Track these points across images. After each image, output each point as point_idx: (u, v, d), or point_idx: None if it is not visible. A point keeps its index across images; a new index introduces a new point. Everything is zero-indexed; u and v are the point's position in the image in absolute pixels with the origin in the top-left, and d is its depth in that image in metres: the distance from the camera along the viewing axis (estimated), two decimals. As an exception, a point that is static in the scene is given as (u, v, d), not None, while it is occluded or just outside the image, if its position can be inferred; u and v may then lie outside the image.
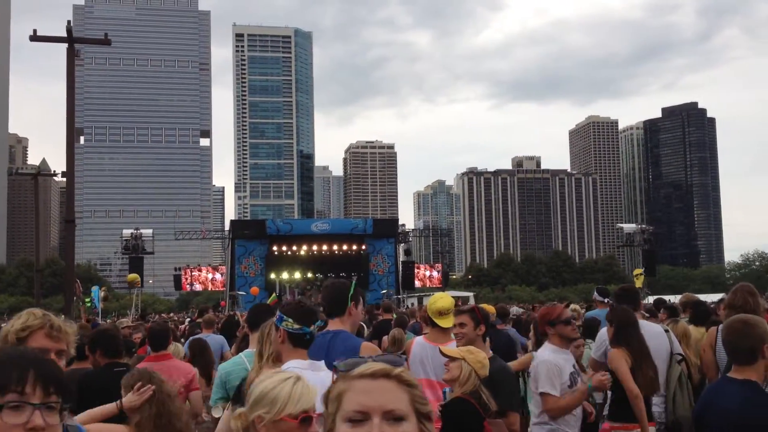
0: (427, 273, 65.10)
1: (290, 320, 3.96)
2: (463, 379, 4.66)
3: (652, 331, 6.53)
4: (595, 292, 10.04)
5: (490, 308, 9.27)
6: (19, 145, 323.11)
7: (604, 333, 6.55)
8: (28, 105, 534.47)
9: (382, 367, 1.70)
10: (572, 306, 11.09)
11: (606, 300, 9.57)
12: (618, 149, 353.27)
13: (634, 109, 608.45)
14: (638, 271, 43.83)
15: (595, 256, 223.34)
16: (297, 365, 3.82)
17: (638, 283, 41.04)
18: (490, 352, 5.27)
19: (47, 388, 1.71)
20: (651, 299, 21.22)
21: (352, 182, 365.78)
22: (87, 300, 29.12)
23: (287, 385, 2.56)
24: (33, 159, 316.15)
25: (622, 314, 6.12)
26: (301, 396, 2.52)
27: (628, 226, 65.09)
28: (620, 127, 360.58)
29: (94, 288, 30.69)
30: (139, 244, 49.44)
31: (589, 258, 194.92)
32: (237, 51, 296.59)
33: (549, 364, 5.29)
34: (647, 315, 8.99)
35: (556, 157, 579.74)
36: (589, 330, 8.52)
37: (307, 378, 3.37)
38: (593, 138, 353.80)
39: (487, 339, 5.56)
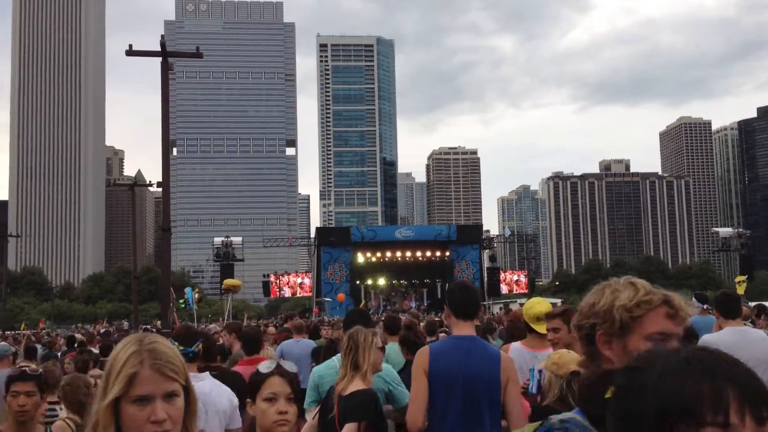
0: (514, 277, 64.34)
1: (176, 343, 4.74)
2: (545, 387, 4.52)
3: (754, 337, 6.30)
4: (693, 299, 9.73)
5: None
6: (116, 157, 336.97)
7: (706, 339, 6.36)
8: (120, 117, 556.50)
9: None
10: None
11: (705, 306, 9.26)
12: (711, 151, 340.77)
13: (727, 110, 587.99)
14: (740, 278, 42.12)
15: (689, 261, 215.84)
16: None
17: (740, 290, 39.33)
18: None
19: (760, 415, 1.11)
20: (751, 305, 20.32)
21: (435, 189, 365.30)
22: (181, 301, 29.82)
23: None
24: (128, 170, 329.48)
25: None
26: None
27: (724, 230, 62.68)
28: (713, 128, 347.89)
29: (188, 289, 31.28)
30: (230, 252, 50.69)
31: (683, 263, 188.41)
32: (321, 61, 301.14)
33: None
34: (745, 322, 8.63)
35: (646, 160, 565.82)
36: (688, 338, 8.23)
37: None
38: (685, 140, 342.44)
39: None
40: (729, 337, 6.20)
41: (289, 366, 3.32)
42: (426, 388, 4.29)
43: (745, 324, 7.47)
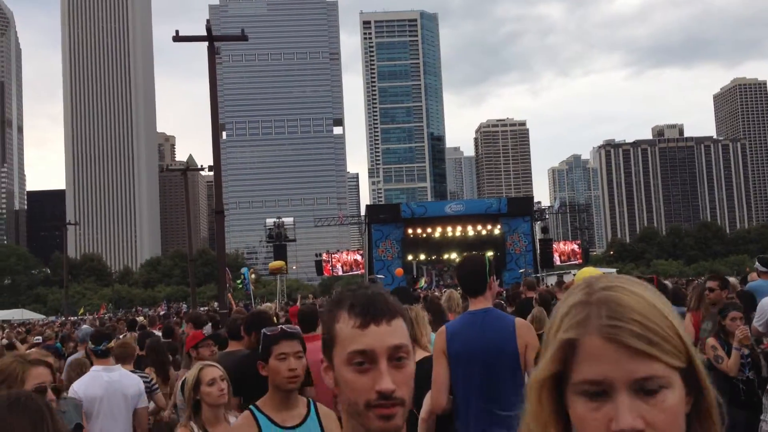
0: (568, 248, 63.67)
1: (90, 342, 6.41)
2: None
3: None
4: (758, 263, 9.50)
5: None
6: (167, 143, 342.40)
7: (766, 302, 6.20)
8: (170, 103, 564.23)
9: None
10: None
11: (768, 270, 9.02)
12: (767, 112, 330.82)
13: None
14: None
15: (747, 225, 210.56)
16: (96, 368, 6.06)
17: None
18: None
19: None
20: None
21: (484, 162, 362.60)
22: (238, 282, 30.25)
23: None
24: (180, 155, 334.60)
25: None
26: None
27: (785, 193, 60.73)
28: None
29: (244, 269, 31.63)
30: (282, 232, 51.15)
31: (741, 228, 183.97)
32: (365, 38, 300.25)
33: None
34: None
35: (700, 123, 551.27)
36: (747, 302, 8.07)
37: (101, 377, 5.89)
38: (740, 101, 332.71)
39: None
40: None
41: None
42: (446, 369, 4.31)
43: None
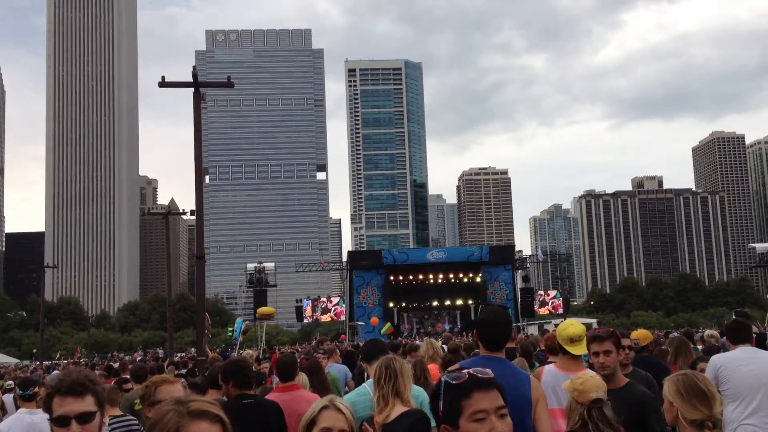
0: (548, 298, 63.73)
1: (18, 388, 7.22)
2: (566, 411, 4.46)
3: (764, 356, 6.19)
4: (734, 317, 9.62)
5: (644, 333, 8.66)
6: (149, 186, 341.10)
7: (716, 358, 6.27)
8: (154, 147, 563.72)
9: None
10: (708, 332, 10.55)
11: (745, 324, 9.13)
12: (746, 165, 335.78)
13: (763, 123, 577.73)
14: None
15: (726, 278, 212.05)
16: (21, 411, 6.76)
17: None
18: (625, 379, 4.96)
19: None
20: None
21: (466, 210, 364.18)
22: (230, 330, 30.30)
23: None
24: (162, 199, 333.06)
25: None
26: None
27: (761, 246, 61.52)
28: (747, 141, 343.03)
29: (239, 319, 31.88)
30: (263, 278, 50.92)
31: (720, 280, 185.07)
32: (350, 86, 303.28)
33: None
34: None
35: (679, 176, 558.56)
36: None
37: (23, 419, 6.42)
38: (719, 154, 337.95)
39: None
40: (738, 354, 6.14)
41: None
42: None
43: None
